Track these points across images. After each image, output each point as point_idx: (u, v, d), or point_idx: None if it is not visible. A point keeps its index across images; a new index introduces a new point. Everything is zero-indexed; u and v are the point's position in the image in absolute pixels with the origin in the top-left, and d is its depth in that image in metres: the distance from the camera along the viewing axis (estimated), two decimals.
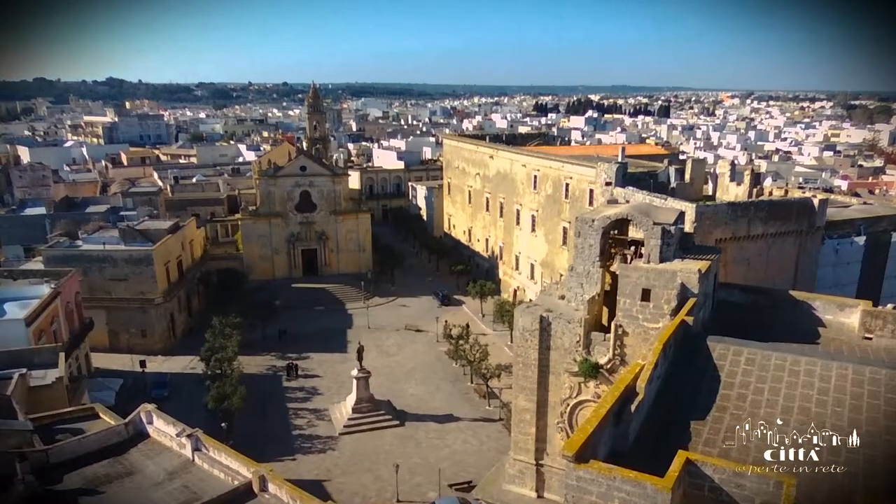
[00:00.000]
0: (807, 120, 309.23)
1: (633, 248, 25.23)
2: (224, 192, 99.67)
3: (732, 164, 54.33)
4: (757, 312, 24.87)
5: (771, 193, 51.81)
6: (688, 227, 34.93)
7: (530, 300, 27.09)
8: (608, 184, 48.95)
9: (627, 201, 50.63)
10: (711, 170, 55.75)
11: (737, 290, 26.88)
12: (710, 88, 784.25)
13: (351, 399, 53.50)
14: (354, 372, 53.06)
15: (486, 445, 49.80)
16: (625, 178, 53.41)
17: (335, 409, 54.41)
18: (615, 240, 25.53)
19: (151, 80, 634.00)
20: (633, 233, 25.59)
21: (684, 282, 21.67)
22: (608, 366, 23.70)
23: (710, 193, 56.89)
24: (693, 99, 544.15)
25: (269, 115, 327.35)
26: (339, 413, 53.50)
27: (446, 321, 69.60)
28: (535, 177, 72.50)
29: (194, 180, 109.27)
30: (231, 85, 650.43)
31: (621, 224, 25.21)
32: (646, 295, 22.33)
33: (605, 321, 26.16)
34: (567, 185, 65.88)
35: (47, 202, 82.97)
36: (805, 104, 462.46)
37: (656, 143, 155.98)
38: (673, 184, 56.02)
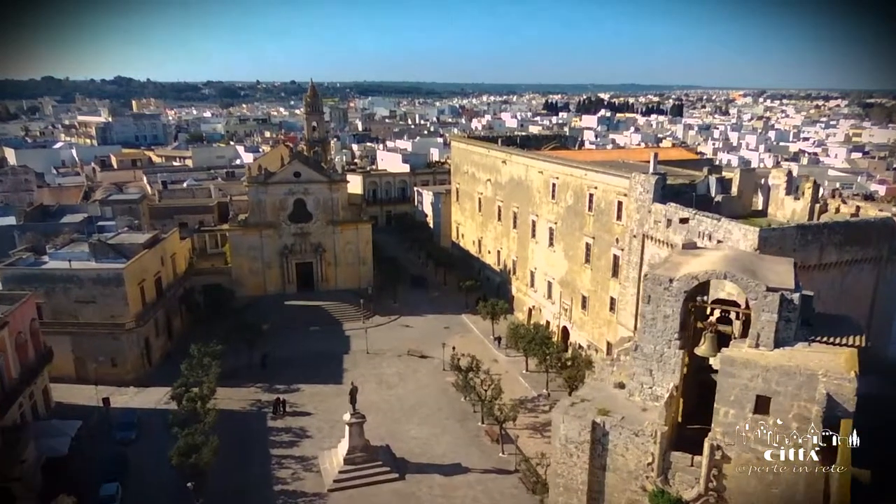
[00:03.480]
0: (825, 119, 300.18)
1: (715, 315, 17.36)
2: (215, 198, 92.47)
3: (789, 173, 46.30)
4: None
5: (838, 210, 43.74)
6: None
7: (574, 396, 19.02)
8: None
9: (669, 221, 42.73)
10: (763, 181, 47.71)
11: (874, 377, 18.61)
12: (720, 87, 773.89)
13: (343, 446, 46.22)
14: (347, 417, 45.72)
15: None
16: (663, 190, 45.69)
17: (325, 457, 47.09)
18: (698, 308, 17.53)
19: (160, 79, 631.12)
20: (716, 292, 17.77)
21: (831, 392, 13.79)
22: None
23: (761, 208, 48.91)
24: (705, 98, 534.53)
25: (275, 114, 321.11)
26: (330, 463, 46.19)
27: (454, 347, 62.22)
28: (554, 185, 64.81)
29: (185, 185, 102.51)
30: (239, 83, 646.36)
31: (704, 283, 17.24)
32: (762, 405, 14.53)
33: (678, 417, 18.33)
34: (591, 195, 58.12)
35: (18, 211, 75.86)
36: (819, 102, 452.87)
37: (673, 144, 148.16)
38: (717, 197, 48.22)
